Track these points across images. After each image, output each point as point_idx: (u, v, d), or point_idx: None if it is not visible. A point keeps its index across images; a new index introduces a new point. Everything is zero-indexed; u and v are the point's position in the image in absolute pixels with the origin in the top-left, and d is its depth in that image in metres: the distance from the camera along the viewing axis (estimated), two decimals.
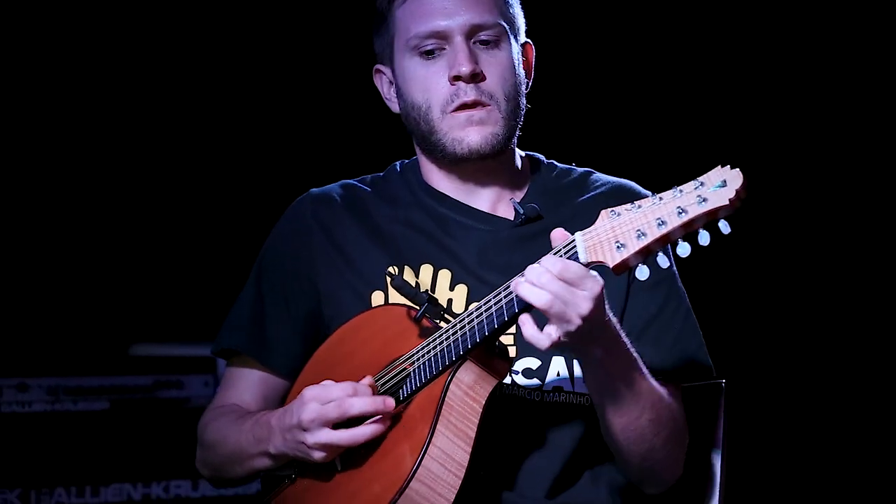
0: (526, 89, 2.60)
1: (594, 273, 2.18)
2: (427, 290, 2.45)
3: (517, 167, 2.63)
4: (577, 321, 2.17)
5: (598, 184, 2.63)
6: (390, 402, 2.35)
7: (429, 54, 2.53)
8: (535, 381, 2.49)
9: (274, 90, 4.91)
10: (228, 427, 2.56)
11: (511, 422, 2.45)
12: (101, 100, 4.81)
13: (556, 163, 2.69)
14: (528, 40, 2.63)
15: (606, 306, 2.22)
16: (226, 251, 4.91)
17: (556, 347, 2.21)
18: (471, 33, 2.52)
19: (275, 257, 2.67)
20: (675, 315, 2.53)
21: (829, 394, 4.78)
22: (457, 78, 2.50)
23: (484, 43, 2.52)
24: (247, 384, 2.65)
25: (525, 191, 2.62)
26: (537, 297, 2.16)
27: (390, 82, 2.62)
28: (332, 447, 2.36)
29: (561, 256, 2.19)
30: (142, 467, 4.18)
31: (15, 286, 4.74)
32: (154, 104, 4.85)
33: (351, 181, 2.71)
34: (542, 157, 2.69)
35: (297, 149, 4.92)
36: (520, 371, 2.49)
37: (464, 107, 2.51)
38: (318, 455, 2.37)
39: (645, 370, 2.38)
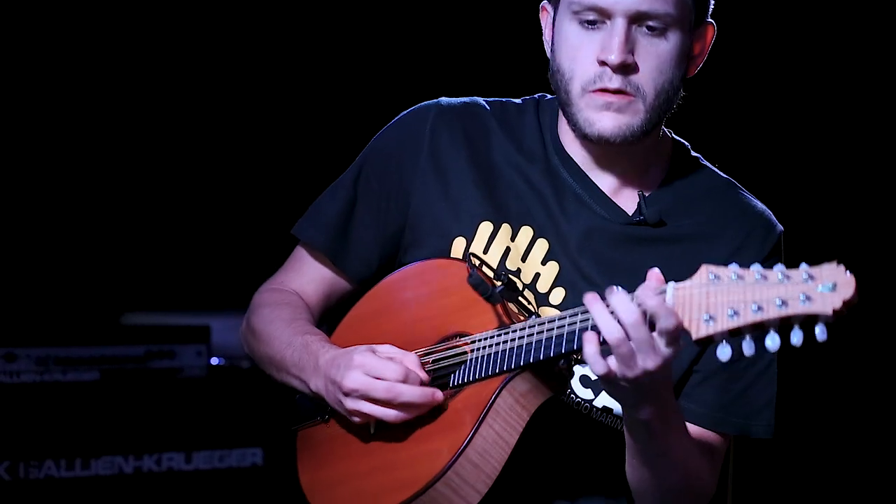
0: (690, 75, 2.41)
1: (681, 334, 2.00)
2: (507, 274, 2.29)
3: (658, 151, 2.46)
4: (639, 371, 2.02)
5: (737, 205, 2.45)
6: (439, 395, 2.28)
7: (589, 23, 2.34)
8: (589, 392, 2.38)
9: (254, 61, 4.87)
10: (277, 326, 2.50)
11: (549, 426, 2.33)
12: (90, 72, 4.78)
13: (701, 158, 2.52)
14: (711, 21, 2.43)
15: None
16: (218, 220, 4.90)
17: (608, 384, 2.08)
18: (635, 18, 2.31)
19: (380, 160, 2.53)
20: (753, 365, 2.39)
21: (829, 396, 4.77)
22: (605, 63, 2.32)
23: (650, 28, 2.32)
24: (314, 277, 2.59)
25: (659, 182, 2.46)
26: (608, 329, 2.02)
27: (551, 27, 2.44)
28: (370, 417, 2.32)
29: None
30: (133, 439, 4.15)
31: (3, 254, 4.70)
32: (145, 80, 4.82)
33: (482, 103, 2.54)
34: (688, 145, 2.53)
35: (286, 126, 4.89)
36: (577, 375, 2.37)
37: (605, 91, 2.33)
38: (354, 419, 2.34)
39: (688, 439, 2.26)
